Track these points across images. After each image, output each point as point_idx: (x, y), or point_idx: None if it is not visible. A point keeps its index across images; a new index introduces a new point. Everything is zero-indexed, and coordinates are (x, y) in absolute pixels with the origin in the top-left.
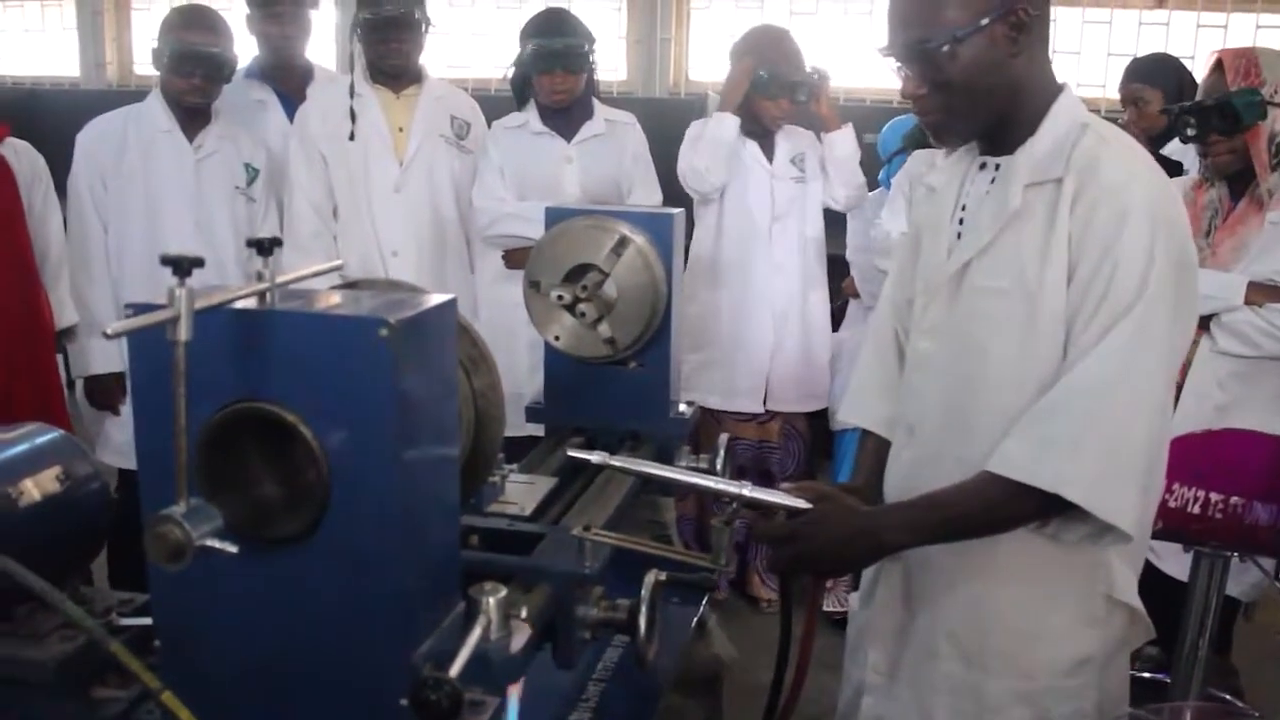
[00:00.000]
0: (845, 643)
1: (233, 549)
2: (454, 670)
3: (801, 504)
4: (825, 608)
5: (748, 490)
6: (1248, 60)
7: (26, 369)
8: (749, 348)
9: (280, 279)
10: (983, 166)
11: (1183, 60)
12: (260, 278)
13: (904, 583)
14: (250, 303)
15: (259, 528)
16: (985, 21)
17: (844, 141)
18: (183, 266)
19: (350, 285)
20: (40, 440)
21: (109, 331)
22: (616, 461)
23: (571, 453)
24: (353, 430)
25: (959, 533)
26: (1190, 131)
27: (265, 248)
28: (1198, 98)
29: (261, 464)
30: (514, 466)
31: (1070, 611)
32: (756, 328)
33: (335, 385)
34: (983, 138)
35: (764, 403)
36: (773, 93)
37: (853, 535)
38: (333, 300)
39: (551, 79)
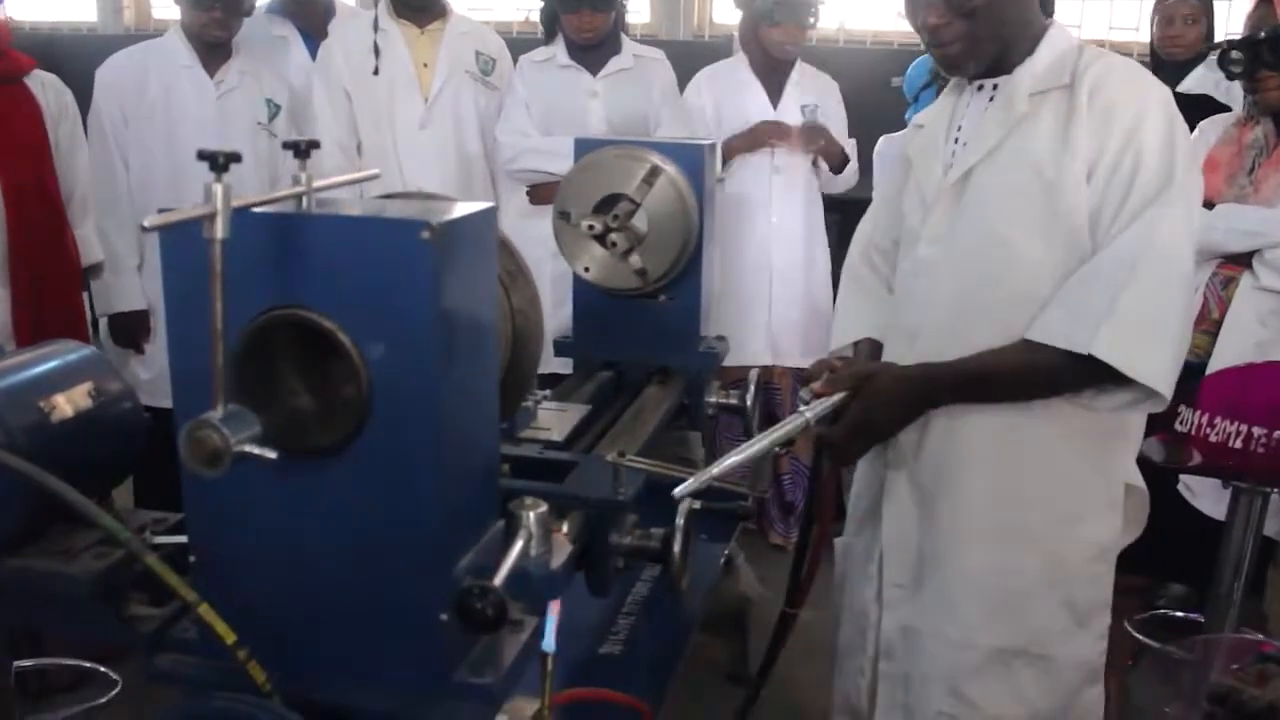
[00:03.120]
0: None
1: (271, 455)
2: (498, 580)
3: (841, 395)
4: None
5: (811, 414)
6: None
7: (54, 306)
8: (747, 302)
9: (318, 183)
10: (979, 88)
11: None
12: (297, 181)
13: (914, 487)
14: (287, 207)
15: (296, 439)
16: None
17: (844, 177)
18: (219, 162)
19: (384, 198)
20: (72, 357)
21: (145, 224)
22: (716, 470)
23: (678, 492)
24: (393, 336)
25: (1000, 395)
26: (1236, 68)
27: (302, 150)
28: (1244, 32)
29: (298, 374)
30: (546, 393)
31: (1099, 495)
32: (754, 281)
33: (375, 290)
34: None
35: (769, 358)
36: (777, 17)
37: (908, 395)
38: (371, 206)
39: (579, 17)
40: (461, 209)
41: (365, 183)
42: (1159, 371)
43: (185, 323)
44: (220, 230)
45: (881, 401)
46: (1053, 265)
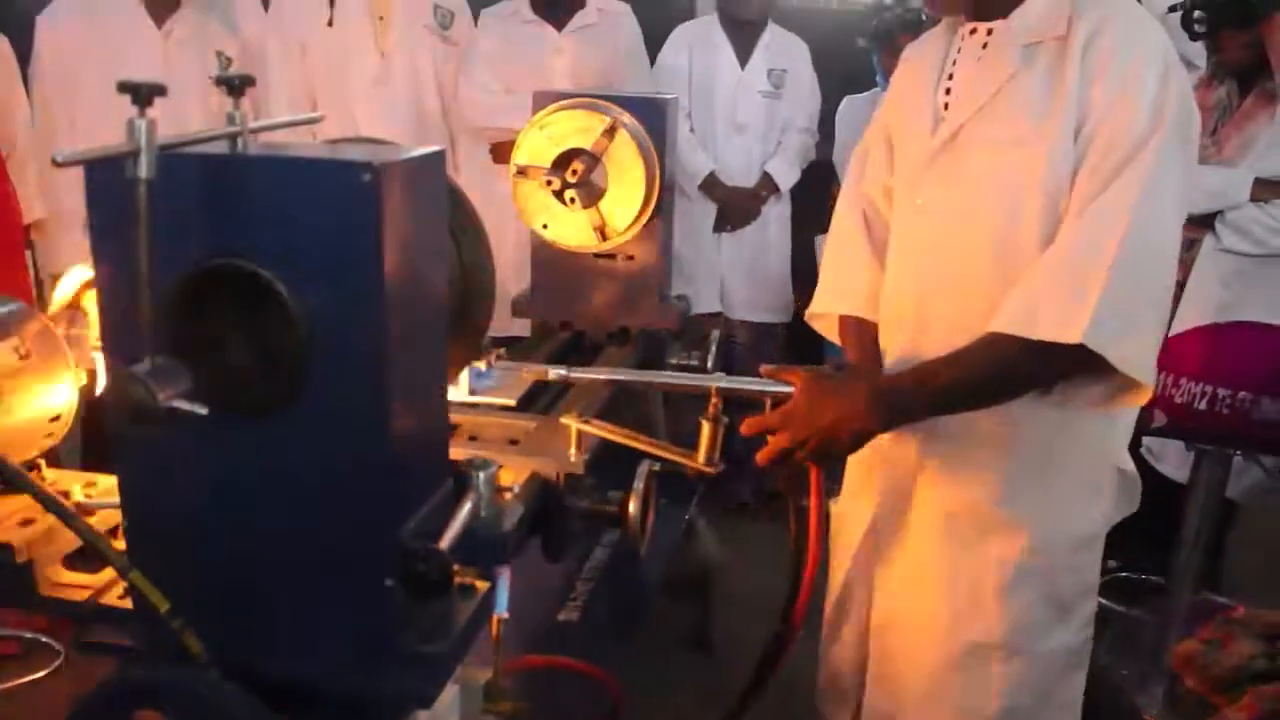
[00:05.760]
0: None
1: (202, 410)
2: (444, 543)
3: (785, 388)
4: None
5: (723, 381)
6: None
7: None
8: (698, 254)
9: (253, 124)
10: (972, 32)
11: None
12: (231, 120)
13: (897, 478)
14: (221, 148)
15: (233, 396)
16: None
17: (797, 157)
18: (142, 94)
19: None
20: None
21: (57, 158)
22: (577, 373)
23: (528, 372)
24: (334, 287)
25: (970, 398)
26: (1200, 28)
27: (236, 87)
28: None
29: (235, 327)
30: (502, 351)
31: (1085, 485)
32: (706, 235)
33: (315, 237)
34: (971, 3)
35: (718, 305)
36: None
37: (852, 409)
38: (311, 149)
39: None
40: (408, 151)
41: (317, 130)
42: (1146, 360)
43: (114, 272)
44: (144, 169)
45: (812, 405)
46: (1036, 231)
